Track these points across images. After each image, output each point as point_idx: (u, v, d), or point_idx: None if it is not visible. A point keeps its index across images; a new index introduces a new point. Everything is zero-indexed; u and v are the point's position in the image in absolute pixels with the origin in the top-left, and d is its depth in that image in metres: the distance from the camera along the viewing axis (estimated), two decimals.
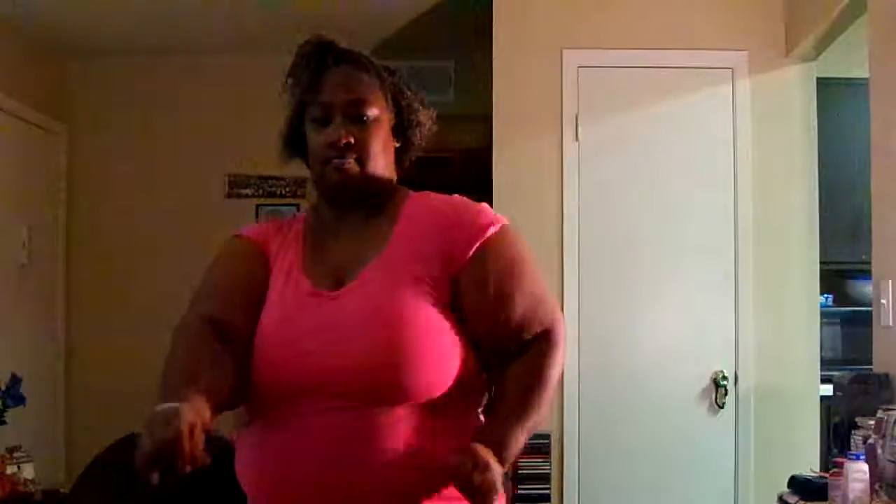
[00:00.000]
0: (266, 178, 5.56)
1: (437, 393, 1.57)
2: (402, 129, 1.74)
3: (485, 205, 1.72)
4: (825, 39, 3.96)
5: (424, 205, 1.71)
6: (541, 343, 1.65)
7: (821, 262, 4.16)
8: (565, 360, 1.67)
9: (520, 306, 1.63)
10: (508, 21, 4.22)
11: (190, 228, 5.47)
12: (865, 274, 3.46)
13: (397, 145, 1.74)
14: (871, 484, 2.35)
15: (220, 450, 1.55)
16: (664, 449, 4.05)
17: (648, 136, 4.17)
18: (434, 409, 1.58)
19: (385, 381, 1.54)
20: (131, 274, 5.47)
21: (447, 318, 1.60)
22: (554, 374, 1.65)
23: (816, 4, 3.85)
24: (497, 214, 1.69)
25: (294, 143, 1.75)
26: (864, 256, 3.46)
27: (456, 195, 1.73)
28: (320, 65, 1.68)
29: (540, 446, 3.95)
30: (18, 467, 3.86)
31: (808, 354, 4.11)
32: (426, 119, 1.77)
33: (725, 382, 4.06)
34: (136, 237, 5.50)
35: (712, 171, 4.15)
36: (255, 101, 5.45)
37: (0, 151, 4.88)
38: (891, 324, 3.04)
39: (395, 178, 1.75)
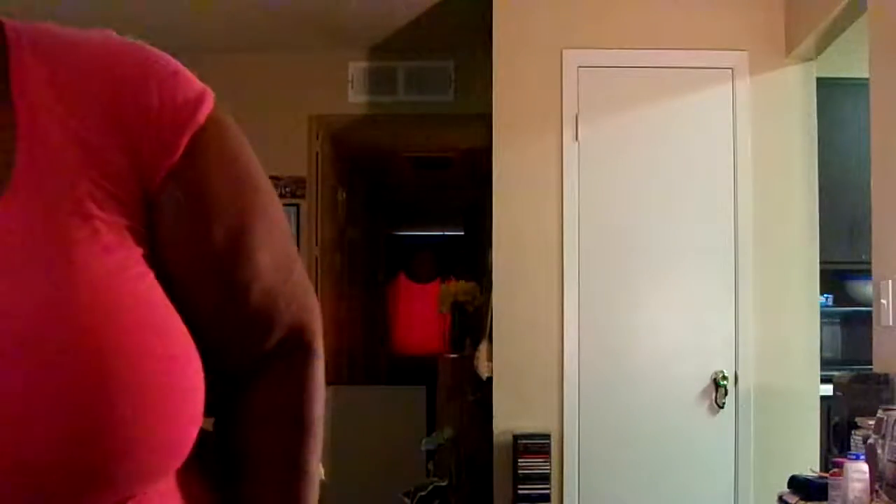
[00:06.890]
0: None
1: (185, 455, 0.76)
2: None
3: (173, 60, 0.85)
4: (825, 39, 3.96)
5: (64, 58, 0.83)
6: (295, 357, 0.88)
7: (821, 262, 4.16)
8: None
9: (262, 272, 0.82)
10: (508, 21, 4.22)
11: None
12: (865, 274, 3.46)
13: None
14: (871, 484, 2.35)
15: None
16: (664, 449, 4.05)
17: (648, 136, 4.17)
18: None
19: (104, 460, 0.68)
20: None
21: (163, 295, 0.75)
22: (321, 406, 0.90)
23: (816, 4, 3.85)
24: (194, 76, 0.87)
25: None
26: (863, 256, 3.46)
27: (108, 34, 0.88)
28: None
29: (540, 446, 3.94)
30: None
31: (808, 354, 4.11)
32: None
33: (725, 382, 4.06)
34: None
35: (712, 172, 4.15)
36: (255, 101, 5.51)
37: None
38: (891, 324, 3.04)
39: None
